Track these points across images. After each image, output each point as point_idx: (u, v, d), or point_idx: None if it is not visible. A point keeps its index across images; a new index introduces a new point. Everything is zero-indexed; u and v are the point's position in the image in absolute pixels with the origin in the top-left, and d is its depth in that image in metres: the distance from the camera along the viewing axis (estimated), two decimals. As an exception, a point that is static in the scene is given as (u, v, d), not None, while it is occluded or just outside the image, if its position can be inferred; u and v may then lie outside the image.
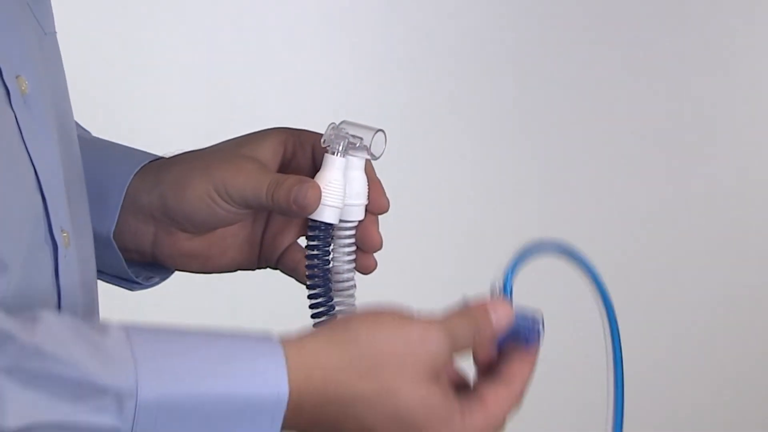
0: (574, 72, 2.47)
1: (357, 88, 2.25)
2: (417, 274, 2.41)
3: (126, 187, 0.83)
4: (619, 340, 0.73)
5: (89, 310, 0.78)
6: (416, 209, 2.28)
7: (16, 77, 0.73)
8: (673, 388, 2.74)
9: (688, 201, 2.67)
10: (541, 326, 0.71)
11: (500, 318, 0.70)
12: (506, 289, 0.71)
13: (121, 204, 0.83)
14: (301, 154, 0.82)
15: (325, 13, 2.25)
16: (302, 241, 0.80)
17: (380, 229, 0.80)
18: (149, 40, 2.12)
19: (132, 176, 0.83)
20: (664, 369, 2.74)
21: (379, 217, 0.80)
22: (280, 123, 0.87)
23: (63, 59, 0.85)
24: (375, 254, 0.80)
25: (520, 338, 0.70)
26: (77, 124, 0.91)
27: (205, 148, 0.84)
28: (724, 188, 2.70)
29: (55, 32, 0.82)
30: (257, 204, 0.78)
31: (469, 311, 0.71)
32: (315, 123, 0.87)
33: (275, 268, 0.85)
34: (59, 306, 0.75)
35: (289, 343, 0.67)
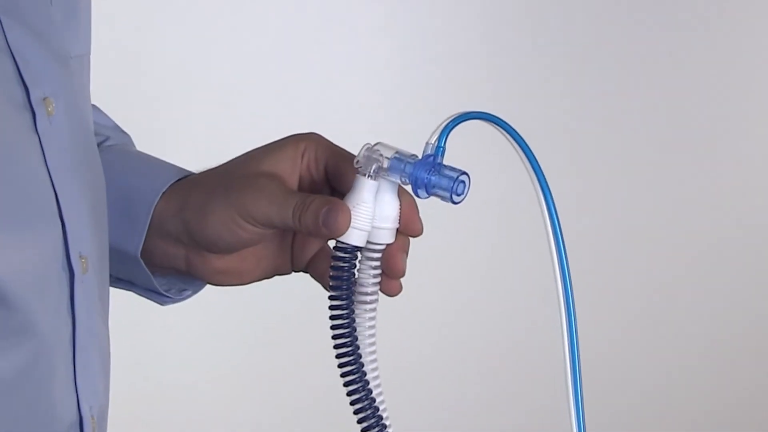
0: (573, 72, 2.47)
1: (365, 89, 2.25)
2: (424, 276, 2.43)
3: (153, 207, 0.82)
4: (557, 218, 0.76)
5: (102, 338, 0.79)
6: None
7: (44, 99, 0.72)
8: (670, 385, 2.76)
9: (683, 200, 2.66)
10: (466, 180, 0.74)
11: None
12: (438, 150, 0.74)
13: (147, 225, 0.83)
14: (315, 168, 0.81)
15: (328, 14, 2.24)
16: (331, 244, 0.79)
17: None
18: (150, 41, 2.11)
19: (159, 197, 0.82)
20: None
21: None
22: (282, 125, 0.86)
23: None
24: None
25: (443, 189, 0.74)
26: (118, 130, 0.91)
27: (227, 164, 0.83)
28: (718, 188, 2.69)
29: (89, 53, 0.82)
30: (284, 226, 0.77)
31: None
32: (321, 125, 0.87)
33: (306, 272, 0.84)
34: (74, 333, 0.74)
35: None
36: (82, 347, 0.74)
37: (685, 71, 2.57)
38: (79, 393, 0.74)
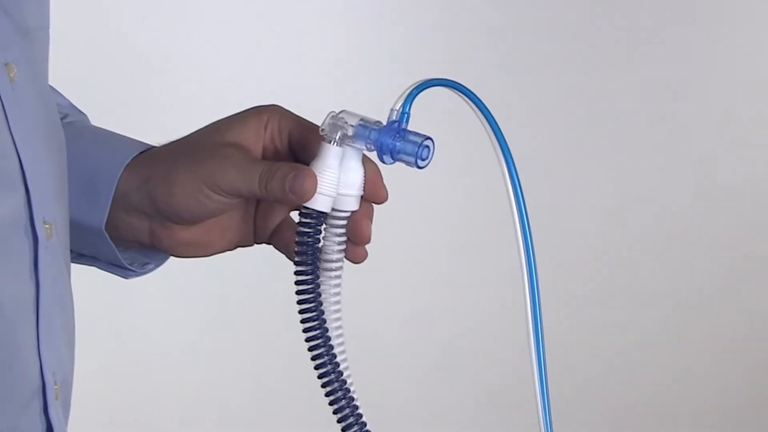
0: (561, 69, 2.48)
1: (359, 81, 2.27)
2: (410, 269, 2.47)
3: (116, 181, 0.83)
4: (519, 182, 0.77)
5: (67, 305, 0.79)
6: (410, 204, 2.35)
7: (5, 64, 0.72)
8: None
9: (674, 197, 2.68)
10: (430, 144, 0.76)
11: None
12: (403, 116, 0.75)
13: (111, 198, 0.83)
14: (278, 138, 0.82)
15: (328, 9, 2.26)
16: (294, 215, 0.80)
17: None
18: (150, 38, 2.12)
19: (122, 169, 0.83)
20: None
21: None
22: (243, 100, 0.88)
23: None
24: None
25: (408, 155, 0.76)
26: (75, 109, 0.91)
27: (190, 136, 0.83)
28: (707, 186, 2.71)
29: (48, 27, 0.81)
30: (250, 194, 0.78)
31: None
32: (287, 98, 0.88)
33: (269, 243, 0.85)
34: (37, 299, 0.74)
35: None
36: (46, 313, 0.74)
37: (662, 66, 2.58)
38: (42, 359, 0.74)
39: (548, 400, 0.78)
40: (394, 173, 0.80)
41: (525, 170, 0.79)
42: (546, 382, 0.78)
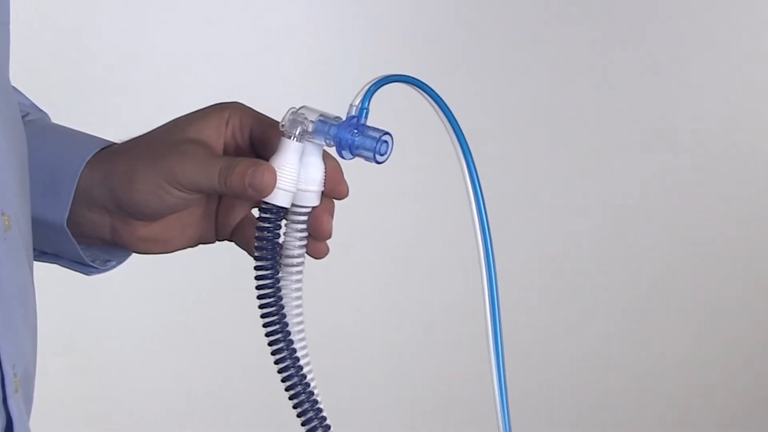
0: (523, 67, 2.49)
1: (325, 78, 2.27)
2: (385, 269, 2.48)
3: (78, 177, 0.83)
4: (477, 175, 0.78)
5: (28, 298, 0.78)
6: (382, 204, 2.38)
7: None
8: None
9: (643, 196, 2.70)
10: (389, 139, 0.76)
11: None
12: (361, 112, 0.76)
13: (72, 194, 0.83)
14: (239, 134, 0.82)
15: (293, 9, 2.27)
16: (256, 212, 0.80)
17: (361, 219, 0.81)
18: (111, 36, 2.11)
19: (83, 166, 0.83)
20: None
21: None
22: (204, 98, 0.88)
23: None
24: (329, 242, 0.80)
25: (366, 150, 0.76)
26: (35, 107, 0.90)
27: (151, 132, 0.84)
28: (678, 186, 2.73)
29: (8, 23, 0.81)
30: (210, 189, 0.78)
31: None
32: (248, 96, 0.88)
33: (231, 240, 0.86)
34: None
35: None
36: (5, 305, 0.74)
37: (632, 68, 2.60)
38: (1, 353, 0.74)
39: (507, 399, 0.79)
40: (353, 165, 0.81)
41: (483, 164, 0.79)
42: (504, 378, 0.78)
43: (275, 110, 0.81)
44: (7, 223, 0.74)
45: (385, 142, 0.75)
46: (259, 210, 0.77)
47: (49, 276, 0.95)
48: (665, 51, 2.67)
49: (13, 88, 0.84)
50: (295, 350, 0.76)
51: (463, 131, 0.77)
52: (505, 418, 0.77)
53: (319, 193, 0.77)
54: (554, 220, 2.66)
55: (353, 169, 0.80)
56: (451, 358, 2.56)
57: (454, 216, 2.18)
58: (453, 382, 2.55)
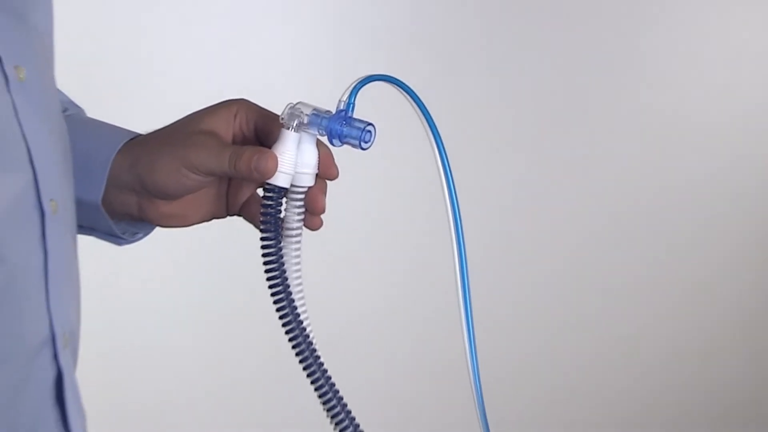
0: (492, 70, 2.53)
1: (317, 78, 2.33)
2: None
3: (110, 164, 0.92)
4: (449, 168, 0.85)
5: (72, 269, 0.87)
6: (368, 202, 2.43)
7: (15, 67, 0.80)
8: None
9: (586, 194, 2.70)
10: (372, 129, 0.85)
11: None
12: (348, 106, 0.85)
13: (106, 178, 0.92)
14: (246, 126, 0.91)
15: (291, 19, 2.33)
16: (260, 191, 0.89)
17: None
18: (136, 43, 2.18)
19: (114, 154, 0.92)
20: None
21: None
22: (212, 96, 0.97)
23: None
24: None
25: (353, 138, 0.85)
26: (73, 104, 1.00)
27: (171, 125, 0.92)
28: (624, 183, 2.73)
29: (52, 33, 0.89)
30: (221, 173, 0.88)
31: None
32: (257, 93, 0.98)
33: (239, 215, 0.95)
34: (46, 264, 0.82)
35: None
36: (54, 276, 0.83)
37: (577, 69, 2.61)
38: (51, 314, 0.83)
39: (482, 395, 0.89)
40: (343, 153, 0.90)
41: (453, 153, 0.88)
42: (477, 369, 0.88)
43: (275, 105, 0.91)
44: (54, 207, 0.82)
45: (369, 131, 0.85)
46: (263, 190, 0.87)
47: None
48: (650, 50, 2.67)
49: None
50: (296, 307, 0.87)
51: (437, 124, 0.86)
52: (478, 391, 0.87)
53: (314, 175, 0.87)
54: (530, 214, 2.66)
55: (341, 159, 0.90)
56: (430, 355, 2.56)
57: (426, 200, 2.26)
58: (432, 378, 2.56)
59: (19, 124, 0.80)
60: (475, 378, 0.89)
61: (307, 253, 0.91)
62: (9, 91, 0.80)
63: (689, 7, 2.69)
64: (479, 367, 0.89)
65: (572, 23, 2.60)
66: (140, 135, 0.95)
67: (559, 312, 2.73)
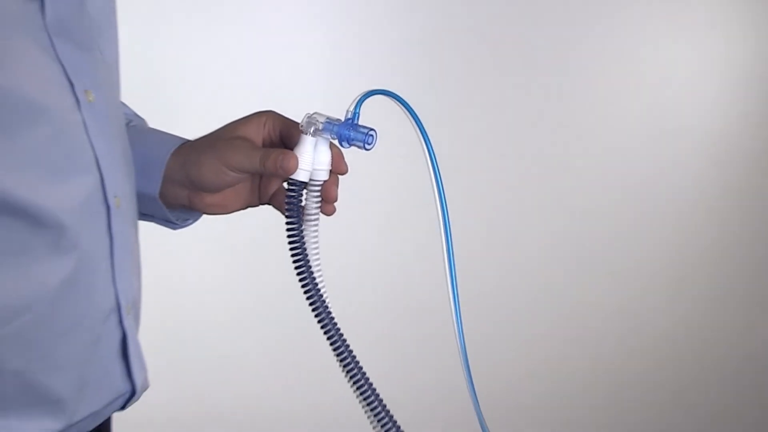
0: (480, 85, 2.59)
1: (329, 90, 2.45)
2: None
3: (164, 164, 1.03)
4: (438, 173, 0.93)
5: (134, 251, 0.99)
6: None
7: (85, 91, 0.91)
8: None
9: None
10: (374, 133, 0.94)
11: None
12: (354, 115, 0.94)
13: (161, 176, 1.03)
14: (273, 133, 1.02)
15: (314, 16, 2.44)
16: (286, 185, 0.99)
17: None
18: (184, 64, 2.29)
19: (168, 156, 1.04)
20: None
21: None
22: (244, 107, 1.08)
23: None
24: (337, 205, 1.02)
25: (358, 141, 0.94)
26: (137, 116, 1.12)
27: (212, 132, 1.04)
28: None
29: (118, 61, 1.01)
30: (253, 170, 1.00)
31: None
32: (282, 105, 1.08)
33: (269, 204, 1.06)
34: (111, 249, 0.93)
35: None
36: (118, 258, 0.95)
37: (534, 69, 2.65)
38: (117, 289, 0.95)
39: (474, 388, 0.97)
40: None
41: (444, 159, 0.97)
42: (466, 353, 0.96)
43: (296, 114, 1.02)
44: (117, 202, 0.94)
45: (371, 135, 0.97)
46: (287, 183, 0.99)
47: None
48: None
49: (121, 103, 1.07)
50: (315, 278, 0.99)
51: (428, 132, 0.97)
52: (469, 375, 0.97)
53: (328, 171, 0.99)
54: (515, 209, 2.71)
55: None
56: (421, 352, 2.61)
57: (419, 199, 2.30)
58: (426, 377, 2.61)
59: (88, 137, 0.91)
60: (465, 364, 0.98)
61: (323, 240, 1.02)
62: (80, 110, 0.91)
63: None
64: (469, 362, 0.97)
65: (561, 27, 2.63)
66: (188, 141, 1.07)
67: (544, 302, 2.77)
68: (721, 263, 2.97)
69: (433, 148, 0.96)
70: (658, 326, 2.92)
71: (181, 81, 2.35)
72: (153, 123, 1.14)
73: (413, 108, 0.96)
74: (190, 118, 2.01)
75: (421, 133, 0.96)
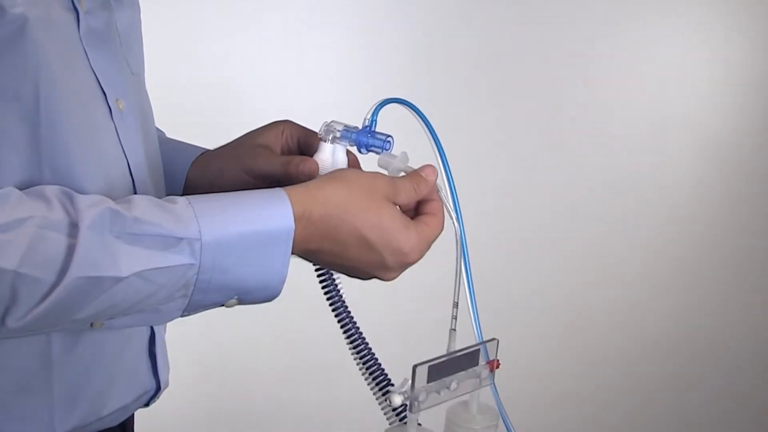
0: (484, 93, 2.59)
1: (344, 87, 2.43)
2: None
3: (185, 173, 1.06)
4: (450, 173, 0.95)
5: None
6: None
7: (116, 100, 0.94)
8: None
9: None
10: (391, 140, 0.96)
11: (429, 175, 0.94)
12: (372, 123, 0.96)
13: (183, 184, 1.05)
14: (291, 140, 1.04)
15: (316, 20, 2.43)
16: None
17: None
18: (204, 75, 2.28)
19: (189, 165, 1.06)
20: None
21: None
22: (268, 116, 1.09)
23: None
24: None
25: (377, 147, 0.96)
26: (156, 128, 1.15)
27: (233, 141, 1.06)
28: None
29: (144, 72, 1.03)
30: (275, 176, 1.02)
31: (411, 175, 0.94)
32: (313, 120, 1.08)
33: None
34: None
35: (293, 189, 0.88)
36: None
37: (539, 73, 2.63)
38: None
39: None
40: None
41: (454, 160, 0.98)
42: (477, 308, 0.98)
43: (306, 116, 1.04)
44: None
45: (389, 141, 0.99)
46: None
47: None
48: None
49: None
50: (336, 285, 1.00)
51: (440, 139, 0.98)
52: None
53: None
54: (517, 206, 2.69)
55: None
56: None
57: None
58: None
59: (120, 144, 0.95)
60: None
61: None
62: (112, 118, 0.94)
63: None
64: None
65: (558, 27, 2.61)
66: (208, 150, 1.10)
67: (550, 302, 2.74)
68: (724, 260, 2.96)
69: (446, 155, 0.98)
70: (660, 322, 2.89)
71: (206, 98, 2.35)
72: (161, 125, 1.15)
73: (426, 116, 0.98)
74: (200, 121, 2.02)
75: (434, 141, 0.97)
